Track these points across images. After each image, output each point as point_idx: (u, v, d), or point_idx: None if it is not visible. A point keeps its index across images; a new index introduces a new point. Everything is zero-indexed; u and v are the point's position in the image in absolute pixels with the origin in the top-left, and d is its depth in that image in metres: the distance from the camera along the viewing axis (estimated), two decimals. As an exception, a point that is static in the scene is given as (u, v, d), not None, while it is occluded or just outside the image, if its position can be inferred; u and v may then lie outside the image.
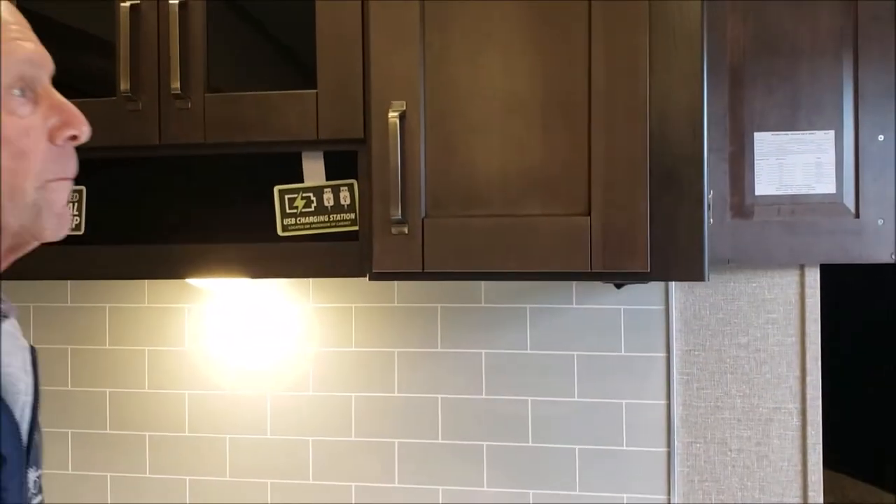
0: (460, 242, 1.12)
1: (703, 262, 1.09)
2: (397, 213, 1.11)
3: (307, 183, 1.33)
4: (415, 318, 1.61)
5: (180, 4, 1.26)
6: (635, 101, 1.08)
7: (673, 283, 1.53)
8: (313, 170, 1.32)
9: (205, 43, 1.28)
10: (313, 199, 1.33)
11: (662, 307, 1.54)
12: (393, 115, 1.11)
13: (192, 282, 1.65)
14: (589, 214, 1.09)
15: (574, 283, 1.56)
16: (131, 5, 1.28)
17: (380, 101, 1.14)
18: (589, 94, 1.09)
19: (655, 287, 1.54)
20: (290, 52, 1.35)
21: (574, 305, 1.56)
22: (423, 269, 1.13)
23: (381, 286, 1.60)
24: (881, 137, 1.46)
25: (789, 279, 1.51)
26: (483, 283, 1.58)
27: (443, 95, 1.13)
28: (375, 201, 1.14)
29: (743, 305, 1.53)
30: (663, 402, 1.54)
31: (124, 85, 1.27)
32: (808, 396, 1.50)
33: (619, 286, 1.32)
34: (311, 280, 1.64)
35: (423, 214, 1.13)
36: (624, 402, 1.55)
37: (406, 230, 1.13)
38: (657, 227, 1.09)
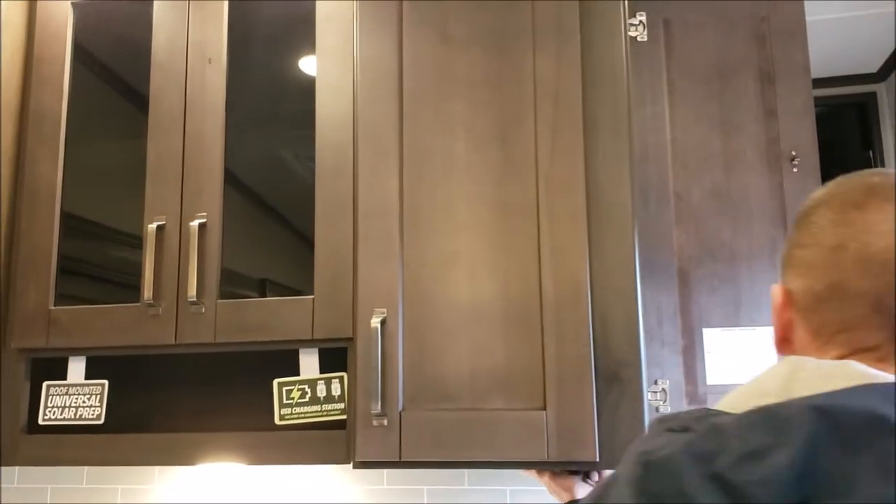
0: (433, 434, 1.28)
1: (644, 452, 1.24)
2: (377, 408, 1.28)
3: (303, 376, 1.51)
4: (404, 500, 1.74)
5: (199, 225, 1.49)
6: (579, 313, 1.27)
7: (637, 465, 1.67)
8: (308, 364, 1.50)
9: (220, 256, 1.50)
10: (308, 390, 1.50)
11: (629, 488, 1.66)
12: (375, 321, 1.31)
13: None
14: (545, 409, 1.26)
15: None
16: (157, 225, 1.51)
17: (365, 307, 1.34)
18: (541, 306, 1.28)
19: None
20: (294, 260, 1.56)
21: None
22: (400, 458, 1.28)
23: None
24: (816, 332, 1.64)
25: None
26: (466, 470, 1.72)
27: (418, 305, 1.33)
28: (359, 396, 1.31)
29: (702, 487, 1.65)
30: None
31: (147, 294, 1.48)
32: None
33: (580, 473, 1.46)
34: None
35: (400, 408, 1.30)
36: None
37: (385, 422, 1.29)
38: (604, 421, 1.26)
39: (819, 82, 3.24)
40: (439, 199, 1.36)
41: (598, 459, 1.24)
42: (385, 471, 1.76)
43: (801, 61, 1.76)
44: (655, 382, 1.64)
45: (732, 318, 1.68)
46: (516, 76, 1.36)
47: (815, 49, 2.91)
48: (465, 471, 1.72)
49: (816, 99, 3.46)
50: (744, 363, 1.65)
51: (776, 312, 0.73)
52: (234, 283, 1.51)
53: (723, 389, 1.64)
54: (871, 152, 3.30)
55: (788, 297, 0.71)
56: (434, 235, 1.35)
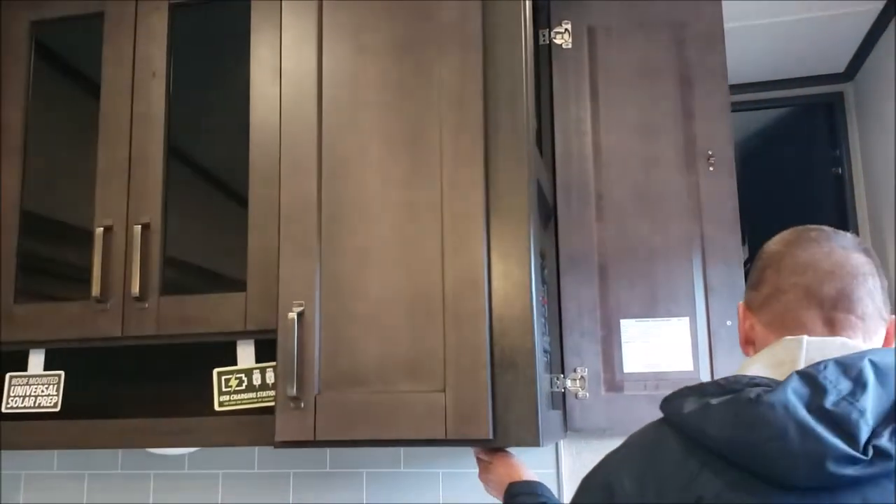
0: (345, 416, 1.39)
1: (536, 432, 1.35)
2: (293, 391, 1.39)
3: (240, 366, 1.62)
4: (341, 483, 1.86)
5: (143, 226, 1.61)
6: (477, 304, 1.38)
7: (561, 448, 1.77)
8: (245, 354, 1.62)
9: (161, 255, 1.62)
10: (244, 378, 1.61)
11: (554, 471, 1.77)
12: (292, 314, 1.42)
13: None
14: (444, 391, 1.36)
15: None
16: (105, 227, 1.63)
17: (286, 301, 1.45)
18: (443, 298, 1.39)
19: (549, 451, 1.78)
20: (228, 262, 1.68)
21: (474, 470, 1.80)
22: (314, 437, 1.40)
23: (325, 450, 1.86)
24: (728, 323, 1.74)
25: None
26: (402, 449, 1.83)
27: (334, 298, 1.44)
28: (279, 381, 1.43)
29: (621, 468, 1.75)
30: (556, 557, 1.73)
31: (96, 291, 1.60)
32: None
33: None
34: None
35: (316, 392, 1.41)
36: (523, 557, 1.75)
37: (302, 405, 1.41)
38: (499, 402, 1.36)
39: (787, 83, 3.33)
40: (354, 200, 1.47)
41: (491, 437, 1.34)
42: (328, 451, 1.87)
43: (718, 64, 1.86)
44: (575, 370, 1.74)
45: (649, 310, 1.78)
46: (424, 82, 1.47)
47: (782, 50, 3.00)
48: (402, 453, 1.84)
49: (784, 99, 3.54)
50: (659, 352, 1.75)
51: (740, 322, 1.03)
52: (187, 275, 1.63)
53: (639, 377, 1.74)
54: (838, 151, 3.37)
55: (747, 308, 1.01)
56: (348, 234, 1.46)
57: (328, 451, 1.87)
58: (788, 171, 3.76)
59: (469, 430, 1.35)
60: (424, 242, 1.43)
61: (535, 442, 1.35)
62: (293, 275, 1.47)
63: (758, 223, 4.17)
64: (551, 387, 1.60)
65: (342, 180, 1.48)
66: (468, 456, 1.79)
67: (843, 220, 3.23)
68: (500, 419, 1.36)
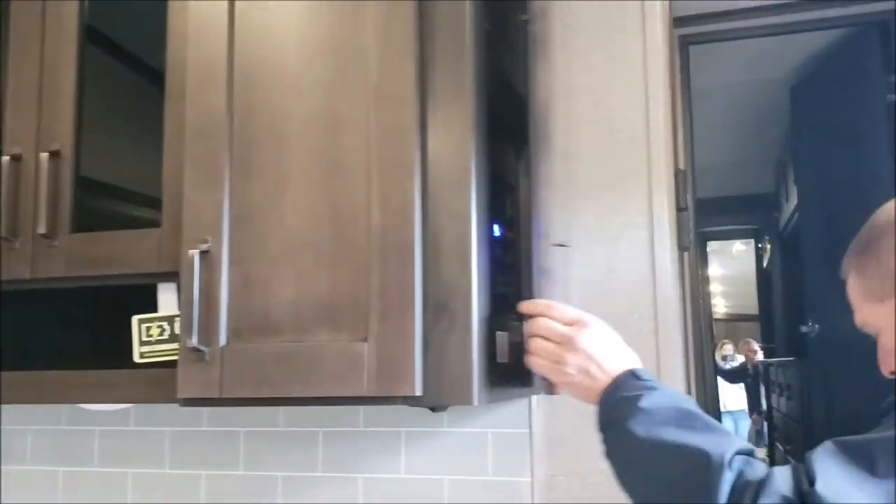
0: (255, 369, 1.19)
1: (471, 387, 1.12)
2: (194, 342, 1.19)
3: (162, 313, 1.43)
4: (296, 442, 1.67)
5: (52, 154, 1.42)
6: (405, 236, 1.15)
7: (535, 405, 1.55)
8: (167, 301, 1.42)
9: (72, 188, 1.42)
10: (167, 327, 1.42)
11: (527, 430, 1.55)
12: (193, 251, 1.21)
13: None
14: (366, 341, 1.15)
15: (445, 410, 1.59)
16: (12, 156, 1.44)
17: (191, 237, 1.25)
18: (368, 229, 1.17)
19: (521, 408, 1.56)
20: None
21: (445, 429, 1.59)
22: (220, 394, 1.20)
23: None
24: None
25: (648, 402, 1.50)
26: (362, 407, 1.63)
27: (245, 232, 1.23)
28: (182, 331, 1.23)
29: (603, 429, 1.52)
30: (528, 528, 1.53)
31: (3, 229, 1.42)
32: (670, 524, 1.46)
33: (434, 409, 1.34)
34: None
35: (222, 343, 1.21)
36: (490, 530, 1.55)
37: (207, 358, 1.21)
38: (430, 354, 1.14)
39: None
40: (269, 116, 1.25)
41: (420, 394, 1.13)
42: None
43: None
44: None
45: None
46: (348, -24, 1.23)
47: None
48: (361, 412, 1.64)
49: (831, 19, 3.16)
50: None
51: None
52: (101, 209, 1.44)
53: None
54: (894, 76, 3.02)
55: None
56: (263, 157, 1.25)
57: (282, 408, 1.68)
58: (840, 97, 3.41)
59: (394, 386, 1.13)
60: (348, 165, 1.20)
61: (468, 399, 1.13)
62: (199, 206, 1.26)
63: (808, 156, 3.86)
64: (514, 336, 1.36)
65: (256, 93, 1.26)
66: (434, 414, 1.58)
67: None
68: (433, 373, 1.14)
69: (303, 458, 1.66)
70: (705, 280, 9.93)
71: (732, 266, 11.30)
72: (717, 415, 9.92)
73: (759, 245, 8.04)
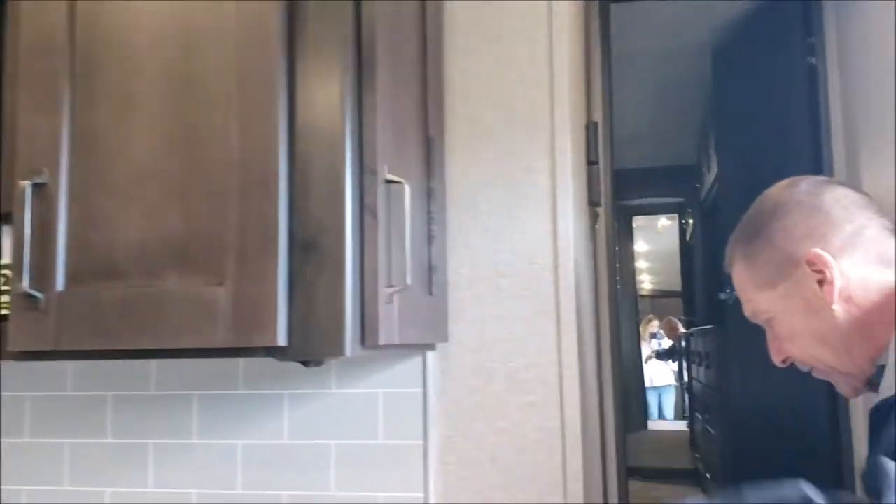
0: (95, 318, 1.04)
1: (343, 337, 1.00)
2: (25, 286, 1.03)
3: (6, 260, 1.26)
4: (170, 408, 1.52)
5: None
6: (267, 164, 1.01)
7: (430, 363, 1.44)
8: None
9: None
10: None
11: (420, 390, 1.44)
12: (25, 184, 1.05)
13: None
14: (222, 285, 1.01)
15: (333, 367, 1.46)
16: None
17: (24, 170, 1.08)
18: (226, 156, 1.02)
19: (414, 368, 1.44)
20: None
21: (332, 390, 1.47)
22: (56, 346, 1.04)
23: (149, 368, 1.52)
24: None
25: (548, 357, 1.41)
26: (241, 365, 1.49)
27: (86, 164, 1.07)
28: (13, 275, 1.07)
29: (500, 388, 1.42)
30: (420, 495, 1.41)
31: None
32: (569, 489, 1.37)
33: (306, 364, 1.21)
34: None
35: (59, 288, 1.06)
36: (381, 495, 1.43)
37: (41, 305, 1.05)
38: (296, 299, 1.01)
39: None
40: (116, 28, 1.09)
41: (285, 344, 0.99)
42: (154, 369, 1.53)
43: None
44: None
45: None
46: None
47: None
48: (241, 369, 1.49)
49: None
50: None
51: (827, 281, 1.02)
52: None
53: (524, 274, 1.39)
54: (813, 38, 2.97)
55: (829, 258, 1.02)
56: (108, 75, 1.09)
57: (154, 369, 1.53)
58: (761, 61, 3.37)
59: (254, 336, 1.00)
60: (204, 83, 1.05)
61: (339, 350, 1.00)
62: (34, 133, 1.09)
63: (729, 124, 3.82)
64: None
65: (102, 2, 1.10)
66: (321, 371, 1.45)
67: (816, 113, 2.86)
68: (299, 321, 1.01)
69: (176, 424, 1.51)
70: (631, 256, 10.01)
71: (658, 242, 11.42)
72: (642, 391, 10.08)
73: (683, 220, 8.11)
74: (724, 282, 3.81)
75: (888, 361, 0.92)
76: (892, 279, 0.98)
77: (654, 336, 10.88)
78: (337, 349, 1.00)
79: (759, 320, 1.10)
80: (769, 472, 2.88)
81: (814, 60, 2.90)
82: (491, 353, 1.43)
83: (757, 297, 1.07)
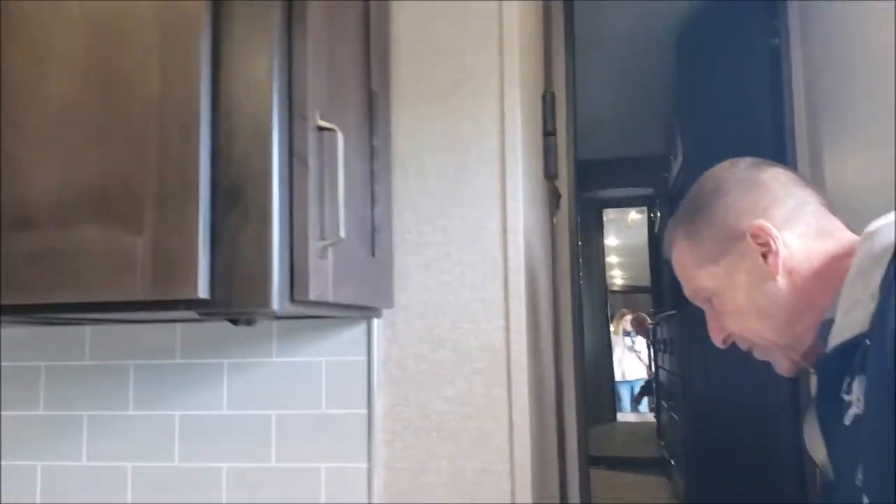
0: (7, 271, 0.98)
1: (269, 289, 0.95)
2: (-71, 237, 0.97)
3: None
4: (105, 377, 1.46)
5: None
6: (189, 105, 0.95)
7: (375, 330, 1.39)
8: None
9: None
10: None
11: (365, 358, 1.39)
12: (-71, 127, 0.99)
13: None
14: (141, 234, 0.95)
15: (274, 334, 1.41)
16: None
17: (-68, 115, 1.02)
18: (147, 98, 0.97)
19: (359, 336, 1.39)
20: None
21: (273, 359, 1.42)
22: (-37, 303, 0.98)
23: (84, 337, 1.46)
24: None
25: (495, 324, 1.37)
26: (179, 332, 1.44)
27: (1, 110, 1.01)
28: (-83, 227, 1.00)
29: (447, 354, 1.38)
30: (364, 465, 1.37)
31: None
32: (516, 456, 1.33)
33: (235, 322, 1.16)
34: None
35: (-32, 242, 0.99)
36: (323, 466, 1.38)
37: (-50, 259, 0.99)
38: (220, 250, 0.96)
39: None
40: (32, -33, 1.03)
41: (206, 296, 0.94)
42: (88, 338, 1.47)
43: None
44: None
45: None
46: None
47: None
48: (178, 339, 1.44)
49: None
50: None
51: (771, 252, 1.03)
52: None
53: (471, 237, 1.35)
54: (775, 20, 2.96)
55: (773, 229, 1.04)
56: (24, 17, 1.02)
57: (88, 338, 1.47)
58: (724, 45, 3.36)
59: (173, 287, 0.94)
60: (124, 24, 0.99)
61: (265, 302, 0.95)
62: (-57, 76, 1.03)
63: (693, 111, 3.81)
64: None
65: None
66: (262, 339, 1.40)
67: (779, 95, 2.85)
68: (223, 273, 0.96)
69: (112, 395, 1.45)
70: (601, 250, 10.02)
71: (629, 236, 11.45)
72: (611, 383, 10.11)
73: (652, 213, 8.12)
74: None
75: (836, 315, 0.91)
76: (833, 248, 1.00)
77: (627, 334, 10.92)
78: (263, 302, 0.95)
79: (699, 299, 1.11)
80: (732, 457, 2.88)
81: (777, 41, 2.89)
82: (438, 319, 1.39)
83: (699, 274, 1.08)
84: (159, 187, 0.95)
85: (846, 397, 0.92)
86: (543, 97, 1.91)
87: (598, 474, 5.65)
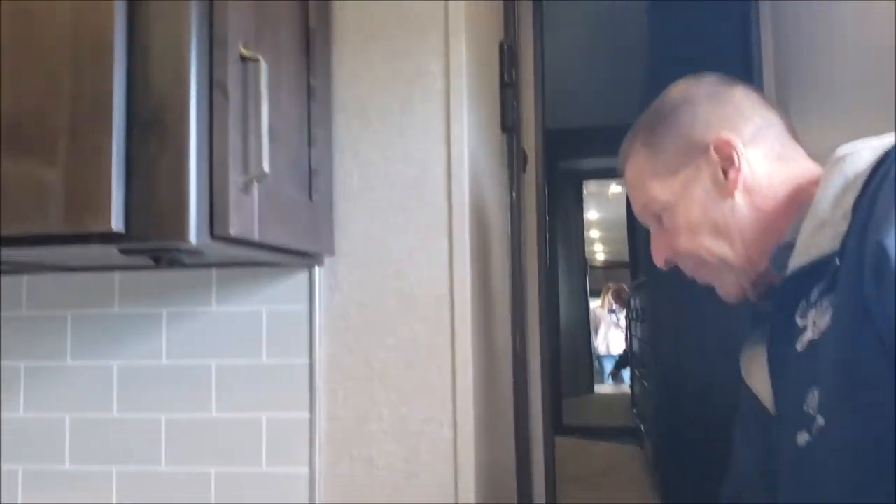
0: (-83, 205, 0.94)
1: (186, 222, 0.92)
2: None
3: None
4: (42, 328, 1.42)
5: None
6: (102, 35, 0.92)
7: (317, 279, 1.36)
8: None
9: None
10: None
11: (306, 307, 1.36)
12: None
13: None
14: (54, 166, 0.92)
15: (213, 282, 1.38)
16: None
17: None
18: (55, 20, 0.93)
19: (300, 284, 1.37)
20: None
21: (213, 308, 1.39)
22: None
23: (20, 287, 1.43)
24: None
25: (439, 273, 1.34)
26: (117, 281, 1.40)
27: None
28: None
29: (391, 303, 1.35)
30: (306, 414, 1.35)
31: None
32: (459, 405, 1.32)
33: (158, 261, 1.12)
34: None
35: None
36: (265, 415, 1.36)
37: None
38: (136, 181, 0.92)
39: None
40: None
41: (121, 229, 0.91)
42: (25, 288, 1.43)
43: None
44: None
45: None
46: None
47: None
48: (117, 288, 1.41)
49: None
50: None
51: (734, 169, 1.01)
52: None
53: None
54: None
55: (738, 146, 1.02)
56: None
57: (24, 288, 1.43)
58: (695, 7, 3.34)
59: (87, 220, 0.91)
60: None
61: (182, 235, 0.92)
62: None
63: (666, 75, 3.79)
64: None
65: None
66: (202, 288, 1.37)
67: (749, 59, 2.83)
68: (139, 205, 0.92)
69: (49, 346, 1.42)
70: (581, 223, 10.00)
71: (610, 210, 11.44)
72: (588, 355, 10.14)
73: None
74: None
75: (797, 238, 0.90)
76: (796, 173, 0.98)
77: (612, 311, 10.94)
78: (180, 236, 0.92)
79: (648, 214, 1.07)
80: (700, 423, 2.87)
81: (748, 5, 2.86)
82: (381, 268, 1.36)
83: (653, 185, 1.04)
84: (73, 117, 0.92)
85: (800, 321, 0.90)
86: (501, 47, 1.87)
87: (571, 442, 5.68)
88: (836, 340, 0.84)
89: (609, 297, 11.05)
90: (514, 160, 2.04)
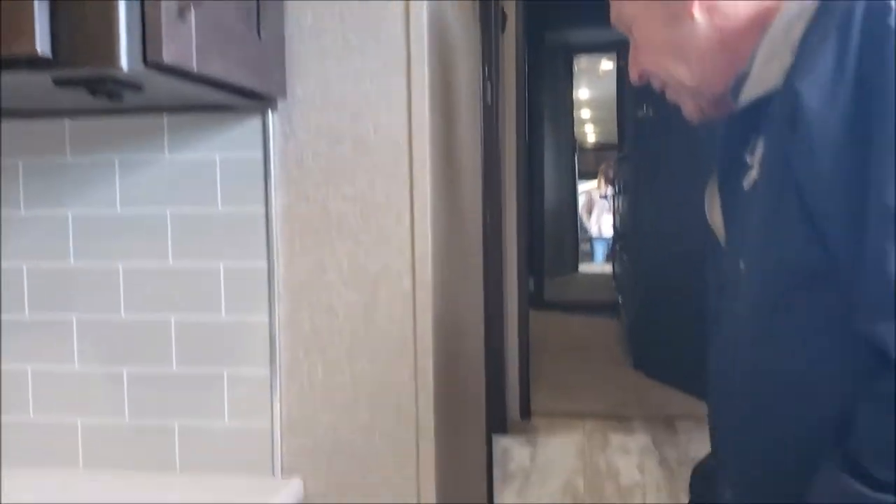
0: None
1: (115, 46, 0.87)
2: None
3: None
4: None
5: None
6: None
7: (271, 124, 1.32)
8: None
9: None
10: None
11: (261, 153, 1.33)
12: None
13: None
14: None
15: (165, 128, 1.34)
16: None
17: None
18: None
19: (254, 130, 1.33)
20: None
21: (165, 155, 1.35)
22: None
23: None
24: None
25: (397, 119, 1.30)
26: (67, 128, 1.36)
27: None
28: None
29: (347, 150, 1.32)
30: (264, 264, 1.33)
31: None
32: (418, 253, 1.31)
33: (94, 93, 1.07)
34: None
35: None
36: (222, 264, 1.35)
37: None
38: (66, 4, 0.87)
39: None
40: None
41: (47, 53, 0.87)
42: (-30, 140, 1.39)
43: None
44: None
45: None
46: None
47: None
48: (67, 137, 1.36)
49: None
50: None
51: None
52: None
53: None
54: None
55: None
56: None
57: (-27, 134, 1.39)
58: None
59: (10, 43, 0.86)
60: None
61: (111, 60, 0.88)
62: None
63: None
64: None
65: None
66: (153, 134, 1.33)
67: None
68: (66, 27, 0.87)
69: (2, 195, 1.39)
70: (570, 101, 9.83)
71: (600, 87, 11.23)
72: (574, 237, 10.18)
73: (622, 60, 7.93)
74: (643, 101, 3.74)
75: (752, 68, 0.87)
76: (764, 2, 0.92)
77: (604, 197, 10.93)
78: (110, 60, 0.88)
79: (621, 26, 1.03)
80: (675, 294, 2.89)
81: None
82: (337, 113, 1.32)
83: None
84: (-10, -71, 0.85)
85: (748, 158, 0.88)
86: None
87: (550, 316, 5.79)
88: (763, 185, 0.83)
89: (602, 179, 11.03)
90: (491, 15, 1.97)
